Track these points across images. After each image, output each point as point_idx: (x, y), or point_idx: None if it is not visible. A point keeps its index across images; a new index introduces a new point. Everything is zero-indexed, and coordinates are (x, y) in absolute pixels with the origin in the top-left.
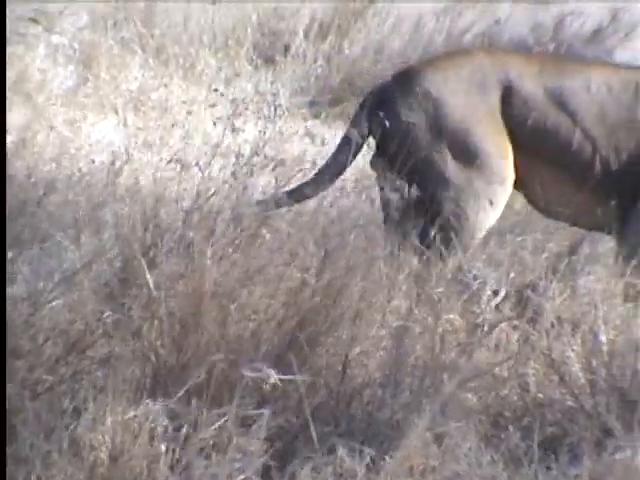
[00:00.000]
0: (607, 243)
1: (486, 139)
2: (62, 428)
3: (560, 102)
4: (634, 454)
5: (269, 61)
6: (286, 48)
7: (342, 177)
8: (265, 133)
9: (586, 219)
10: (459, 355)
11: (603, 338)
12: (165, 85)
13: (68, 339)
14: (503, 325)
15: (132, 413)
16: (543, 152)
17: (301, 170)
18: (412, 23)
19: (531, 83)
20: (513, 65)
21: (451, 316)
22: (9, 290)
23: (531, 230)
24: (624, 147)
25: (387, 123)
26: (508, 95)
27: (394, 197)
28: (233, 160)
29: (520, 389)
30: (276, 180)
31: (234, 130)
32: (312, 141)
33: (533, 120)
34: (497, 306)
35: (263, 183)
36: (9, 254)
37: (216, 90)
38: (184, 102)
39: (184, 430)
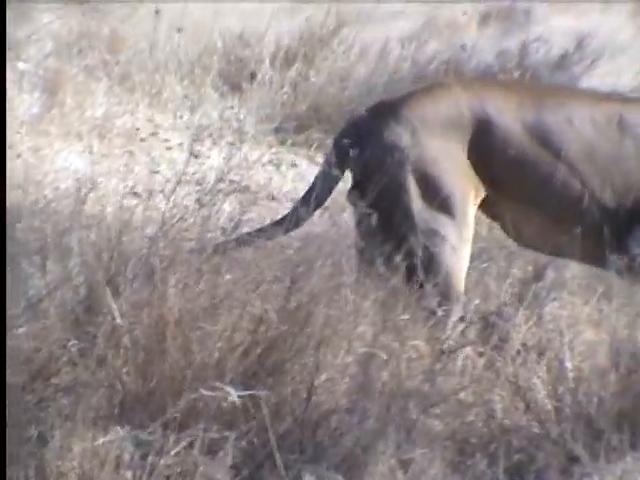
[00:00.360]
0: (572, 269)
1: (457, 183)
2: (28, 455)
3: (541, 137)
4: None
5: (235, 88)
6: (252, 75)
7: None
8: (230, 160)
9: (559, 248)
10: (425, 381)
11: (569, 365)
12: (131, 112)
13: (33, 366)
14: (468, 351)
15: (99, 440)
16: (523, 188)
17: (267, 197)
18: (378, 50)
19: (510, 118)
20: (491, 100)
21: (416, 342)
22: None
23: (495, 256)
24: (611, 181)
25: (362, 157)
26: (486, 131)
27: (366, 228)
28: (198, 187)
29: (486, 415)
30: (241, 207)
31: (198, 157)
32: (277, 168)
33: (513, 156)
34: (462, 332)
35: (228, 210)
36: None
37: (182, 117)
38: (150, 129)
39: (150, 457)
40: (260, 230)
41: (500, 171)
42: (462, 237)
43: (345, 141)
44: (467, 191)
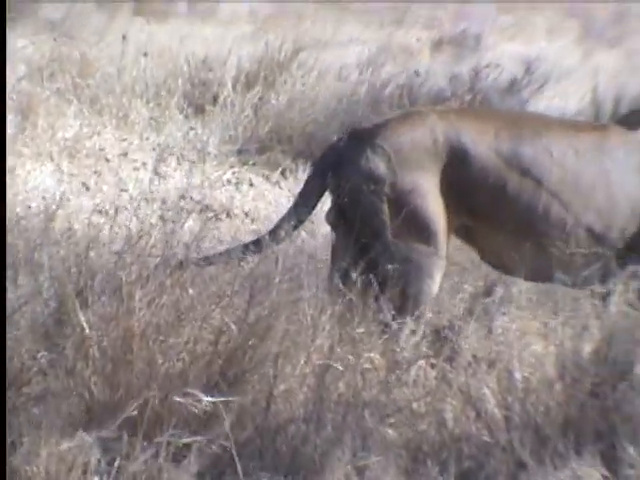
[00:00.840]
0: (520, 285)
1: (431, 211)
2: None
3: (519, 168)
4: None
5: (199, 110)
6: (215, 98)
7: (265, 220)
8: (192, 179)
9: (536, 271)
10: (379, 392)
11: (518, 375)
12: (99, 133)
13: (8, 378)
14: (421, 363)
15: (66, 445)
16: (502, 215)
17: (228, 215)
18: (335, 74)
19: (485, 148)
20: (466, 130)
21: (372, 354)
22: None
23: (448, 272)
24: (595, 207)
25: (341, 183)
26: (461, 161)
27: (341, 248)
28: (162, 205)
29: (438, 424)
30: (203, 224)
31: (163, 176)
32: (237, 188)
33: (490, 185)
34: (416, 345)
35: (191, 226)
36: None
37: (147, 138)
38: (117, 150)
39: (116, 463)
40: (239, 247)
41: (477, 199)
42: (436, 264)
43: (325, 166)
44: (441, 219)
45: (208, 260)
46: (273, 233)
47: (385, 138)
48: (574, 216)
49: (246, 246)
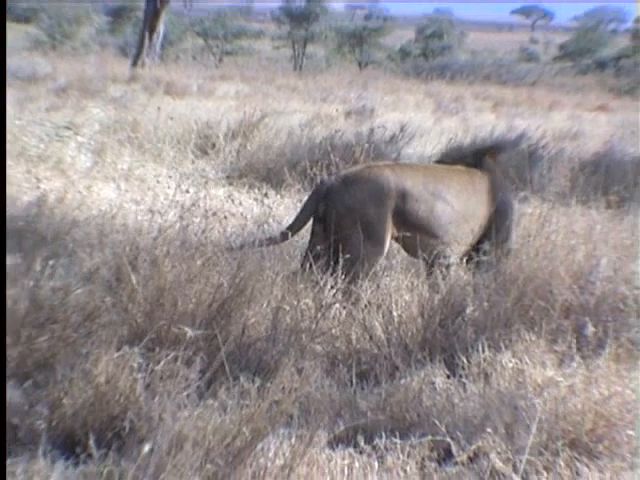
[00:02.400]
0: (397, 258)
1: (382, 229)
2: (81, 364)
3: (437, 197)
4: (411, 380)
5: (203, 153)
6: (213, 145)
7: (245, 218)
8: (199, 194)
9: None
10: (310, 323)
11: (395, 313)
12: (143, 166)
13: (85, 312)
14: (337, 306)
15: (118, 354)
16: (423, 226)
17: (222, 215)
18: (286, 132)
19: (419, 187)
20: (407, 177)
21: (307, 301)
22: (50, 284)
23: None
24: (469, 217)
25: (330, 209)
26: (404, 197)
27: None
28: (181, 209)
29: (347, 342)
30: (206, 221)
31: (181, 192)
32: (227, 199)
33: (420, 209)
34: (333, 295)
35: (198, 223)
36: (50, 262)
37: (173, 169)
38: (154, 176)
39: (150, 365)
40: (260, 239)
41: (412, 219)
42: (380, 255)
43: (318, 196)
44: (388, 233)
45: (241, 246)
46: (283, 235)
47: (359, 183)
48: (463, 222)
49: (266, 239)
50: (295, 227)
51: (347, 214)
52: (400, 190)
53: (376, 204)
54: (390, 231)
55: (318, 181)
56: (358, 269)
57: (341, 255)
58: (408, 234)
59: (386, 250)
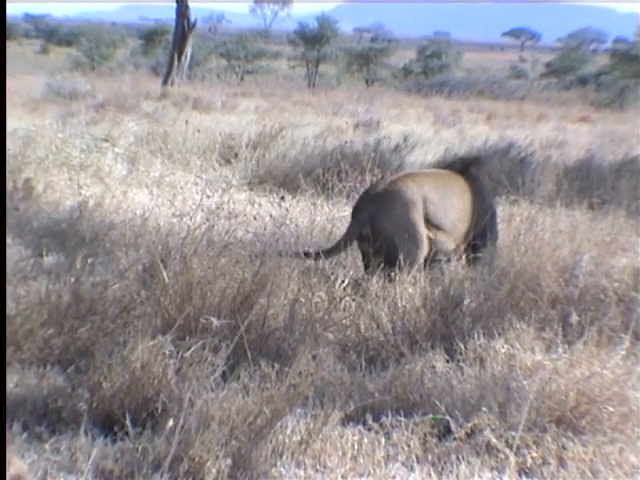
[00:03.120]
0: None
1: (421, 232)
2: (118, 351)
3: (446, 198)
4: (414, 365)
5: (227, 162)
6: (236, 155)
7: (264, 220)
8: (224, 198)
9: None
10: (324, 314)
11: (400, 305)
12: (173, 174)
13: (121, 304)
14: (347, 298)
15: (152, 342)
16: (440, 224)
17: (243, 217)
18: (301, 143)
19: (433, 191)
20: (424, 183)
21: (320, 294)
22: (90, 280)
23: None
24: (464, 216)
25: (374, 227)
26: (426, 200)
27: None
28: (206, 212)
29: (356, 331)
30: (229, 223)
31: (207, 197)
32: (248, 203)
33: (437, 210)
34: (344, 289)
35: (223, 224)
36: (90, 260)
37: (199, 177)
38: (183, 182)
39: (181, 352)
40: (302, 252)
41: (432, 218)
42: (422, 253)
43: (365, 205)
44: (424, 235)
45: (282, 253)
46: (327, 252)
47: (394, 199)
48: (465, 220)
49: (306, 253)
50: (335, 252)
51: (395, 229)
52: (423, 195)
53: (413, 212)
54: (425, 232)
55: (354, 208)
56: (408, 268)
57: (392, 259)
58: (431, 234)
59: (425, 248)
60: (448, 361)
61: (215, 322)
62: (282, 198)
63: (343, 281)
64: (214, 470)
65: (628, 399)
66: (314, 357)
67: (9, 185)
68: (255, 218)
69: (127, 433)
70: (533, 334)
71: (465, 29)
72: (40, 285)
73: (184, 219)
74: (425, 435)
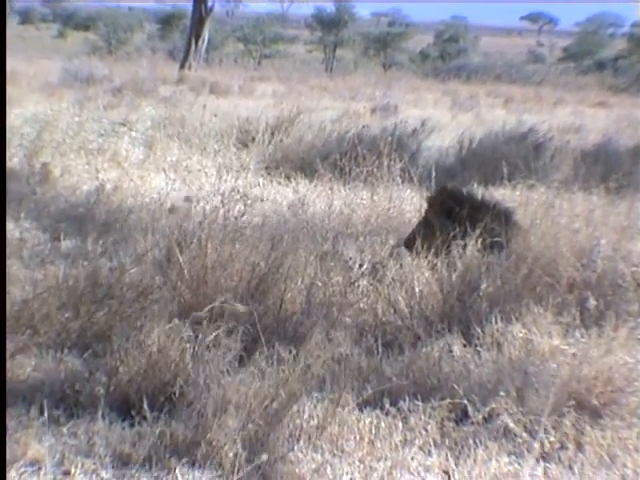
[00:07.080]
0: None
1: None
2: (135, 336)
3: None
4: (431, 349)
5: (244, 146)
6: (253, 139)
7: (280, 204)
8: (239, 182)
9: None
10: (340, 297)
11: (417, 289)
12: (190, 158)
13: (139, 288)
14: (364, 282)
15: (169, 326)
16: None
17: (259, 201)
18: (318, 127)
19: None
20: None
21: (337, 278)
22: (107, 264)
23: (379, 232)
24: None
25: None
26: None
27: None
28: (223, 196)
29: (373, 315)
30: (244, 206)
31: (224, 181)
32: (265, 187)
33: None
34: (362, 273)
35: (239, 208)
36: (107, 244)
37: (216, 161)
38: (200, 167)
39: (199, 337)
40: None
41: None
42: None
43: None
44: None
45: None
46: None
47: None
48: None
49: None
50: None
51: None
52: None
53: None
54: None
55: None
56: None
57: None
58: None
59: None
60: (465, 345)
61: (240, 307)
62: (299, 183)
63: (360, 265)
64: (231, 454)
65: None
66: (330, 340)
67: (26, 170)
68: (272, 202)
69: (144, 417)
70: (550, 319)
71: (482, 13)
72: (57, 269)
73: (200, 203)
74: (442, 419)
